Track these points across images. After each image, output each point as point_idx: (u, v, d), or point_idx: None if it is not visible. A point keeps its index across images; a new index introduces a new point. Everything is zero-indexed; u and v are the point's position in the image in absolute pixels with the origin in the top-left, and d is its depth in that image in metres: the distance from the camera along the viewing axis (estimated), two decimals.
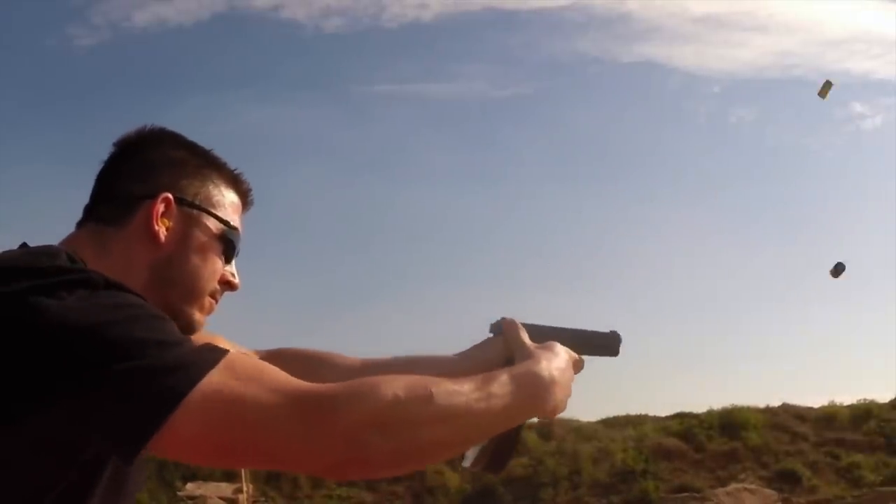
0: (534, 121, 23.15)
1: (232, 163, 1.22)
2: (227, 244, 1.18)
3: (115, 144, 1.18)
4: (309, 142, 22.30)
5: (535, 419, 1.19)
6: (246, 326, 1.39)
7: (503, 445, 1.19)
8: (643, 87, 23.50)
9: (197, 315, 1.16)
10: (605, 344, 1.38)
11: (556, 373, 1.13)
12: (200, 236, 1.15)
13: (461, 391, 0.99)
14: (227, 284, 1.20)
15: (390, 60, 23.34)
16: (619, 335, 1.38)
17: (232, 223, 1.19)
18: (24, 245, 1.06)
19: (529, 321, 1.31)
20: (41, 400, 0.87)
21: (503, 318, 1.31)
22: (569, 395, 1.16)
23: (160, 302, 1.04)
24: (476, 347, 1.35)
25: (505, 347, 1.28)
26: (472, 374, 1.23)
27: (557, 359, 1.17)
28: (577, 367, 1.24)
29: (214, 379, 0.89)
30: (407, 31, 22.09)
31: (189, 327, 1.14)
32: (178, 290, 1.13)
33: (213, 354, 0.92)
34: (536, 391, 1.10)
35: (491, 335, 1.34)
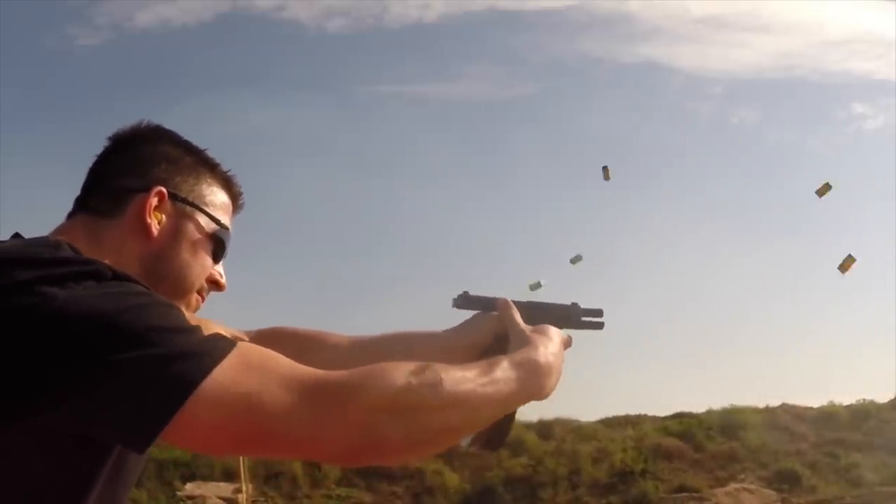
0: (536, 121, 23.15)
1: (234, 162, 1.22)
2: (218, 243, 1.19)
3: (109, 138, 1.18)
4: (311, 142, 22.33)
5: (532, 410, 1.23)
6: (243, 326, 1.39)
7: (500, 426, 1.21)
8: (645, 87, 23.51)
9: (184, 311, 1.16)
10: (592, 317, 1.40)
11: (552, 358, 1.17)
12: (192, 233, 1.15)
13: (468, 377, 1.01)
14: (214, 284, 1.21)
15: (393, 61, 23.35)
16: (578, 306, 1.40)
17: (223, 223, 1.19)
18: (16, 235, 1.05)
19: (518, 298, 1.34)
20: (52, 390, 0.86)
21: (466, 292, 1.34)
22: (560, 376, 1.20)
23: None
24: (465, 324, 1.36)
25: (497, 326, 1.30)
26: (462, 350, 1.28)
27: (552, 343, 1.20)
28: (567, 344, 1.26)
29: (227, 367, 0.89)
30: (410, 32, 22.10)
31: None
32: (166, 284, 1.12)
33: (225, 343, 0.92)
34: (536, 378, 1.13)
35: (455, 309, 1.36)
